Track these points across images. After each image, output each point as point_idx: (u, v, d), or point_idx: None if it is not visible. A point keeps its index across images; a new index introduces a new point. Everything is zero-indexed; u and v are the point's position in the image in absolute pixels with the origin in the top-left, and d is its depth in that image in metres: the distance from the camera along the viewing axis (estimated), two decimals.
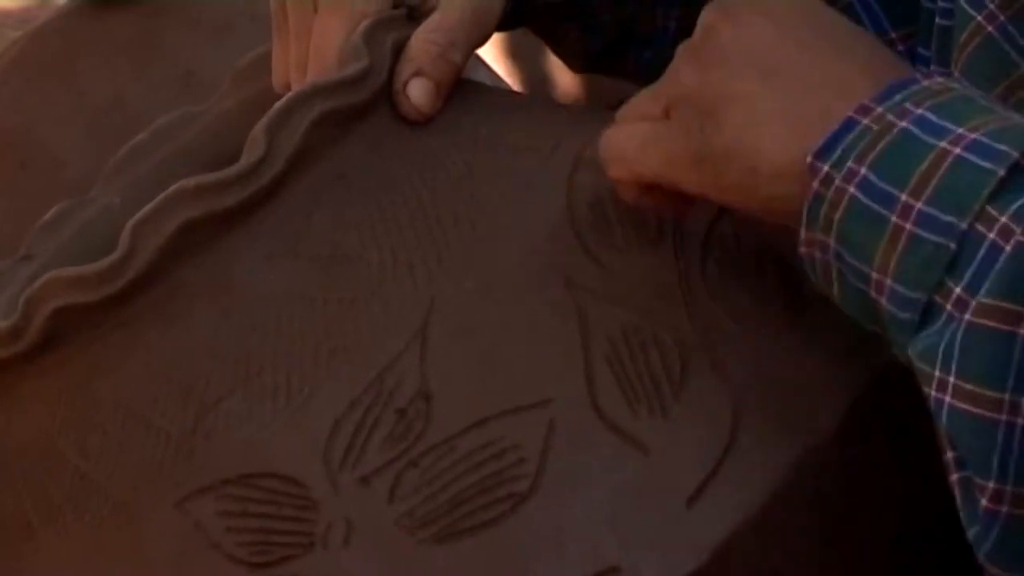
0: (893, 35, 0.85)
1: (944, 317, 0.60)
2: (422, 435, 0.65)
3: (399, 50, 0.77)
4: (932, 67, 0.85)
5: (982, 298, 0.59)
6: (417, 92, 0.76)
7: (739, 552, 0.63)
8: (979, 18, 0.76)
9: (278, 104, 0.72)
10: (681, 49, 0.69)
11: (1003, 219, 0.59)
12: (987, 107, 0.63)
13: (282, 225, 0.72)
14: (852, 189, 0.62)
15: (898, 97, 0.63)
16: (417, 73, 0.77)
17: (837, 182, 0.62)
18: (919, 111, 0.62)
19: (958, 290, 0.60)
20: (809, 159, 0.63)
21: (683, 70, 0.68)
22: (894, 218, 0.61)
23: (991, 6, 0.76)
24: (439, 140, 0.75)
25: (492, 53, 1.95)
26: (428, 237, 0.71)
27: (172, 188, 0.70)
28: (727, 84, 0.66)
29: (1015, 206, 0.59)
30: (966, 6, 0.77)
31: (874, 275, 0.62)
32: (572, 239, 0.70)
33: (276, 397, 0.67)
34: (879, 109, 0.63)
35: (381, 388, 0.66)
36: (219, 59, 1.04)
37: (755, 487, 0.64)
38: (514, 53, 2.01)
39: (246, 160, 0.71)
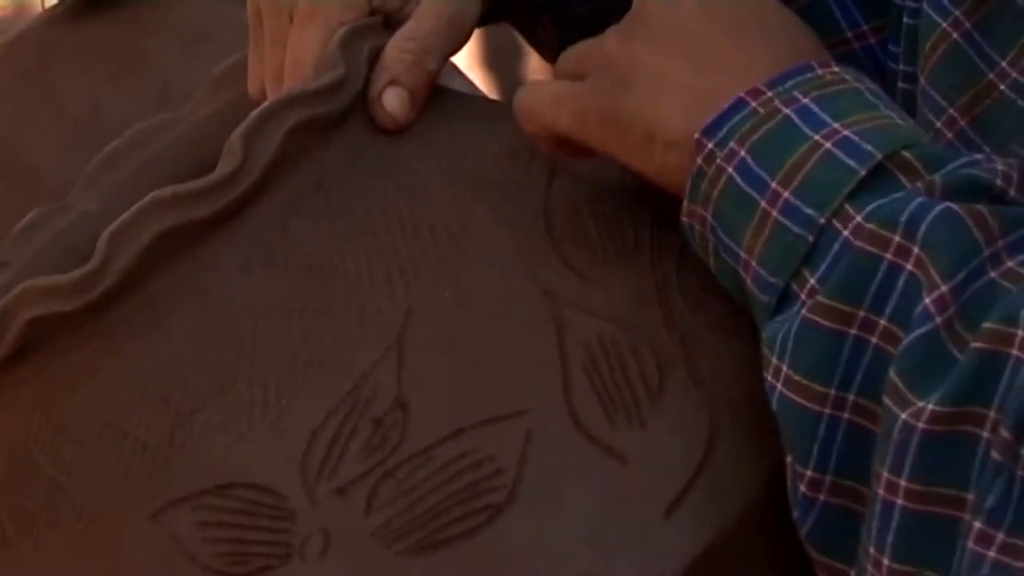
0: (865, 27, 0.85)
1: (796, 305, 0.62)
2: (399, 445, 0.65)
3: (375, 58, 0.77)
4: (900, 66, 0.85)
5: (820, 296, 0.61)
6: (392, 101, 0.76)
7: (716, 563, 0.63)
8: (944, 25, 0.77)
9: (254, 112, 0.72)
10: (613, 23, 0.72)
11: (857, 218, 0.62)
12: (872, 103, 0.66)
13: (258, 234, 0.71)
14: (730, 169, 0.65)
15: (790, 84, 0.66)
16: (392, 82, 0.77)
17: (718, 160, 0.65)
18: (804, 100, 0.65)
19: (812, 281, 0.62)
20: (696, 135, 0.65)
21: (609, 39, 0.71)
22: (763, 203, 0.64)
23: (956, 12, 0.76)
24: (416, 150, 0.75)
25: (467, 61, 1.96)
26: (405, 247, 0.71)
27: (148, 197, 0.70)
28: (645, 56, 0.68)
29: (870, 207, 0.62)
30: (931, 12, 0.77)
31: (743, 255, 0.65)
32: (549, 249, 0.70)
33: (252, 408, 0.67)
34: (769, 93, 0.65)
35: (358, 398, 0.66)
36: (196, 68, 1.03)
37: (732, 497, 0.64)
38: (490, 61, 2.02)
39: (222, 169, 0.71)
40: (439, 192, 0.73)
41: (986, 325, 0.58)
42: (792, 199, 0.63)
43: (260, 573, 0.64)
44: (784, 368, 0.62)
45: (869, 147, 0.63)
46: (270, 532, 0.65)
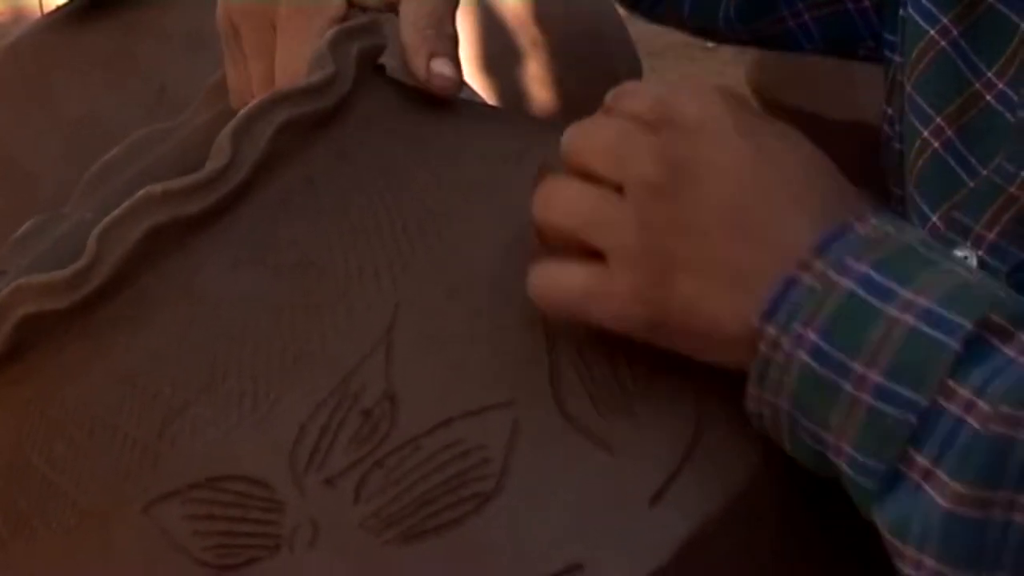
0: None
1: (910, 486, 0.59)
2: (387, 436, 0.65)
3: (365, 58, 0.77)
4: (896, 56, 0.84)
5: (956, 482, 0.58)
6: (442, 68, 0.78)
7: (702, 551, 0.63)
8: (932, 32, 0.76)
9: (243, 111, 0.72)
10: (643, 128, 0.65)
11: (965, 392, 0.59)
12: (927, 258, 0.62)
13: (248, 231, 0.72)
14: (803, 355, 0.61)
15: (836, 249, 0.61)
16: (432, 55, 0.78)
17: (785, 346, 0.61)
18: (861, 268, 0.61)
19: (924, 461, 0.59)
20: (756, 322, 0.62)
21: (648, 169, 0.64)
22: (850, 388, 0.60)
23: (944, 19, 0.76)
24: (406, 148, 0.75)
25: (468, 68, 1.96)
26: (394, 244, 0.71)
27: (139, 194, 0.70)
28: (686, 217, 0.63)
29: (975, 378, 0.59)
30: (917, 17, 0.77)
31: (829, 439, 0.61)
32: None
33: (242, 402, 0.68)
34: (819, 265, 0.61)
35: (346, 391, 0.67)
36: (192, 74, 1.04)
37: (719, 486, 0.64)
38: (490, 68, 2.02)
39: (212, 166, 0.71)
40: (428, 191, 0.73)
41: None
42: (885, 382, 0.59)
43: (250, 564, 0.65)
44: (929, 561, 0.59)
45: (956, 318, 0.59)
46: (259, 524, 0.65)
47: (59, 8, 1.14)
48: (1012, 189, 0.75)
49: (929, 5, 0.78)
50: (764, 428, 0.64)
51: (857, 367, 0.60)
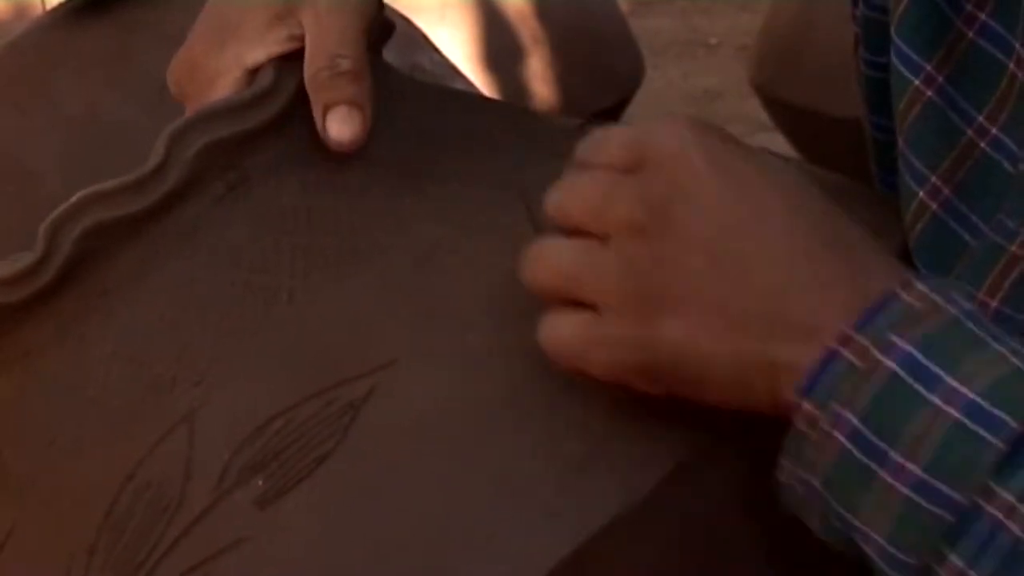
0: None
1: None
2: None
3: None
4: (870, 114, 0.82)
5: None
6: (332, 126, 0.74)
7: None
8: (916, 81, 0.73)
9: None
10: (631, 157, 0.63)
11: (1006, 495, 0.57)
12: (974, 336, 0.59)
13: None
14: (841, 438, 0.59)
15: (880, 322, 0.59)
16: (325, 108, 0.74)
17: (822, 425, 0.59)
18: (905, 347, 0.58)
19: (958, 562, 0.57)
20: (793, 397, 0.59)
21: (628, 212, 0.62)
22: (885, 476, 0.58)
23: (928, 67, 0.72)
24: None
25: (469, 65, 1.96)
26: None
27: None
28: (672, 256, 0.61)
29: (1019, 481, 0.57)
30: (900, 67, 0.73)
31: (859, 525, 0.59)
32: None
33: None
34: (860, 340, 0.59)
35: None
36: None
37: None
38: (490, 65, 2.02)
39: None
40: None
41: None
42: (925, 477, 0.57)
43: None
44: None
45: (1002, 414, 0.57)
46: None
47: (60, 6, 1.14)
48: (1014, 248, 0.70)
49: (909, 52, 0.73)
50: (792, 504, 0.62)
51: (896, 457, 0.58)
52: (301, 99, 0.74)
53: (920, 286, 0.60)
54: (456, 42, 2.00)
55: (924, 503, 0.57)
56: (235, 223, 0.72)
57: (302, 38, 0.75)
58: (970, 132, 0.73)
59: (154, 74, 1.11)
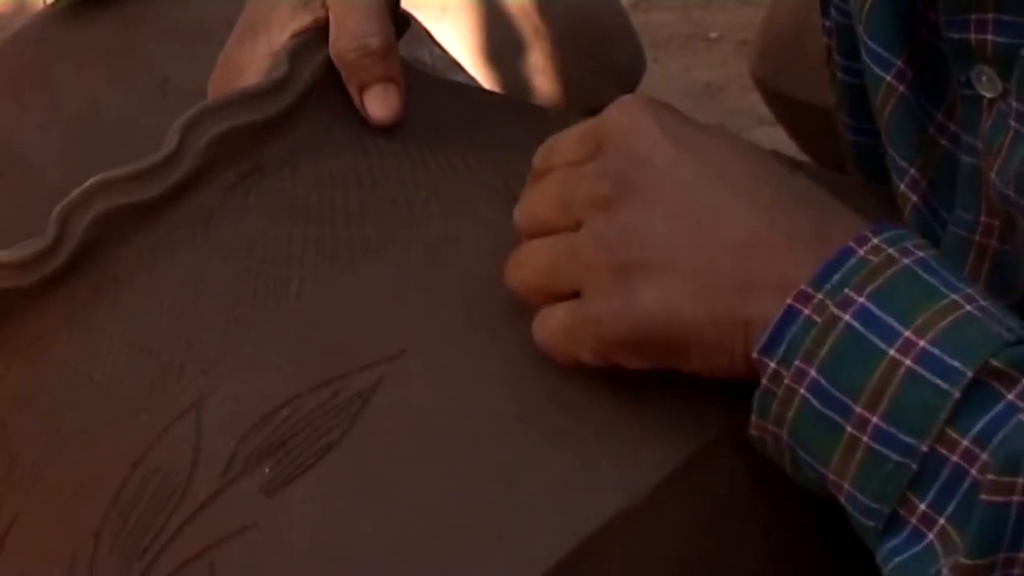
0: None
1: (909, 530, 0.59)
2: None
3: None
4: (849, 119, 0.82)
5: (956, 531, 0.58)
6: (372, 105, 0.75)
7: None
8: (888, 77, 0.73)
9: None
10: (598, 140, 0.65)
11: (965, 443, 0.58)
12: (932, 286, 0.60)
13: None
14: (803, 391, 0.60)
15: (837, 279, 0.60)
16: (361, 88, 0.76)
17: (787, 380, 0.61)
18: (861, 300, 0.60)
19: (923, 507, 0.59)
20: (755, 355, 0.61)
21: (592, 188, 0.64)
22: (849, 428, 0.60)
23: (898, 62, 0.73)
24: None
25: (471, 59, 1.96)
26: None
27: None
28: (641, 224, 0.62)
29: (975, 430, 0.58)
30: (872, 64, 0.74)
31: (830, 476, 0.61)
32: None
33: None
34: (819, 296, 0.60)
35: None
36: (196, 66, 1.03)
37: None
38: (492, 59, 2.02)
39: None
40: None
41: None
42: (884, 426, 0.59)
43: None
44: None
45: (956, 363, 0.59)
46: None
47: (61, 0, 1.14)
48: (977, 238, 0.72)
49: (879, 49, 0.74)
50: (768, 454, 0.63)
51: (857, 408, 0.59)
52: (315, 90, 0.75)
53: (875, 240, 0.61)
54: (457, 36, 2.00)
55: (886, 452, 0.59)
56: (247, 213, 0.72)
57: (326, 19, 0.76)
58: (931, 130, 0.74)
59: (156, 69, 1.12)
